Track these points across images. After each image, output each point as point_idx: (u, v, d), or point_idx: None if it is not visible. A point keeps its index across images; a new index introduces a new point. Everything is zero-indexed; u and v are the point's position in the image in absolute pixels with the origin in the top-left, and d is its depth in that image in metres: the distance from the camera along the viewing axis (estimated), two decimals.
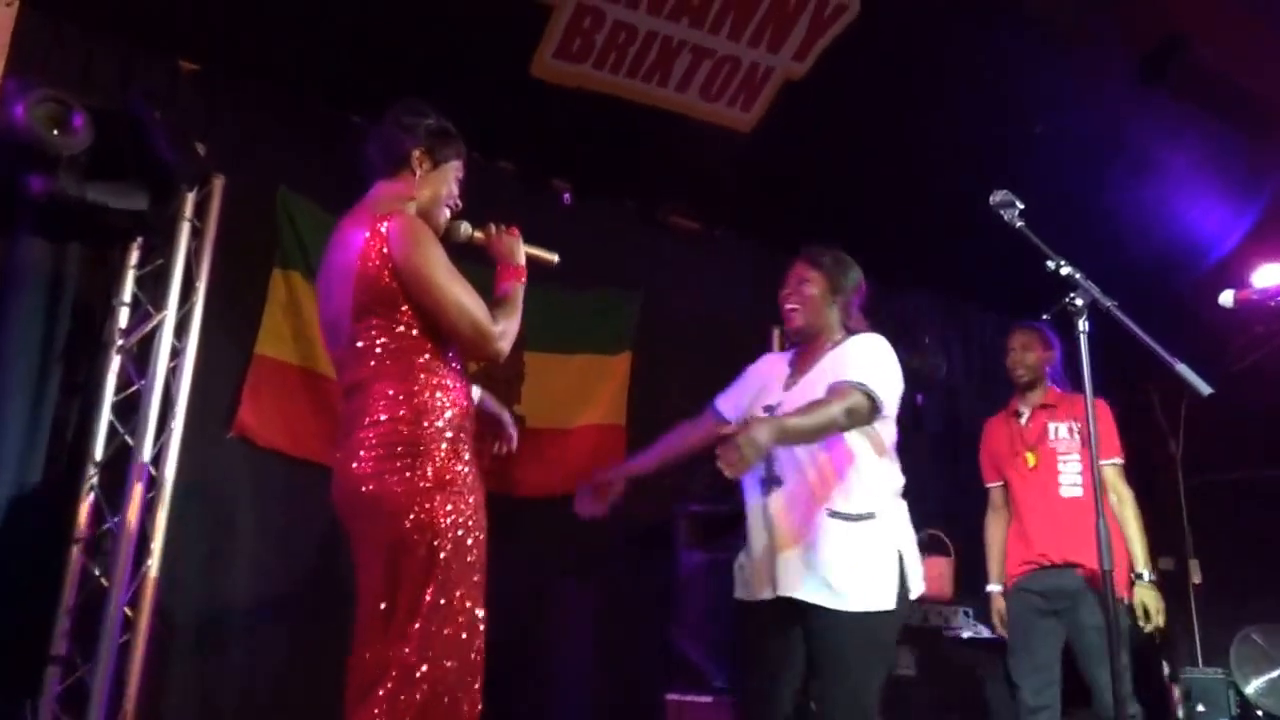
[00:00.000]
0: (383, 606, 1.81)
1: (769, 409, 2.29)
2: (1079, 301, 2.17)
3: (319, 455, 3.15)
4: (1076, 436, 3.20)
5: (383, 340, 1.88)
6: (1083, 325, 2.16)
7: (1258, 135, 4.04)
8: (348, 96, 3.37)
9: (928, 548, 3.73)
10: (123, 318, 2.98)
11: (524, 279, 2.07)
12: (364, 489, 1.84)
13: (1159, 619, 3.09)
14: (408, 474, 1.82)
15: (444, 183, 2.05)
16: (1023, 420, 3.32)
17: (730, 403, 2.49)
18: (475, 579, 1.86)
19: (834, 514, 2.21)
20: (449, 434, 1.88)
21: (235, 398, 3.13)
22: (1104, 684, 2.89)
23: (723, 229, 4.12)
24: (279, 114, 3.30)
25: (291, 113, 3.32)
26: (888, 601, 2.17)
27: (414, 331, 1.89)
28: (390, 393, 1.86)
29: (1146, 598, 3.06)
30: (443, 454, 1.85)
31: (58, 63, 2.92)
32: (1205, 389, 2.13)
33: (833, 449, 2.24)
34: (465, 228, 2.11)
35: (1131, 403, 4.65)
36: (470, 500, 1.87)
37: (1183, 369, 2.14)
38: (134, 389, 2.96)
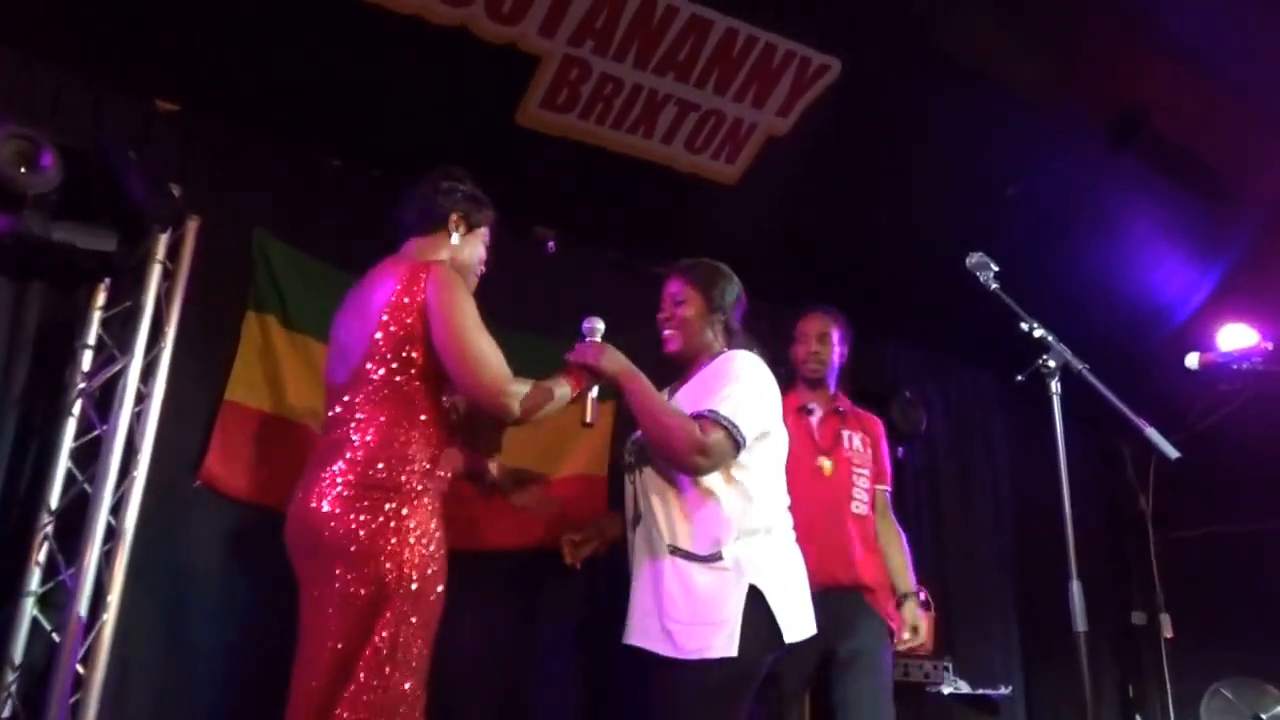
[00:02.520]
0: (338, 647, 1.85)
1: None
2: (1051, 364, 2.22)
3: (289, 505, 3.07)
4: (868, 451, 3.02)
5: (386, 378, 1.93)
6: (1055, 387, 2.22)
7: (1217, 202, 4.18)
8: (328, 140, 3.34)
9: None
10: (86, 361, 2.87)
11: (581, 389, 2.15)
12: (328, 529, 1.85)
13: (925, 637, 2.93)
14: (379, 517, 1.85)
15: (477, 248, 2.19)
16: (814, 419, 3.01)
17: None
18: (433, 630, 1.91)
19: (676, 551, 2.08)
20: (425, 484, 1.91)
21: (203, 445, 3.01)
22: (869, 708, 2.73)
23: None
24: (256, 156, 3.25)
25: (270, 155, 3.27)
26: (727, 648, 1.98)
27: (417, 381, 1.94)
28: (375, 431, 1.90)
29: (916, 616, 2.91)
30: (415, 502, 1.88)
31: (27, 100, 2.85)
32: (1173, 453, 2.16)
33: (680, 482, 2.12)
34: (564, 390, 2.14)
35: (1102, 459, 4.74)
36: (436, 552, 1.91)
37: (1151, 433, 2.18)
38: (95, 434, 2.85)
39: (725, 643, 1.98)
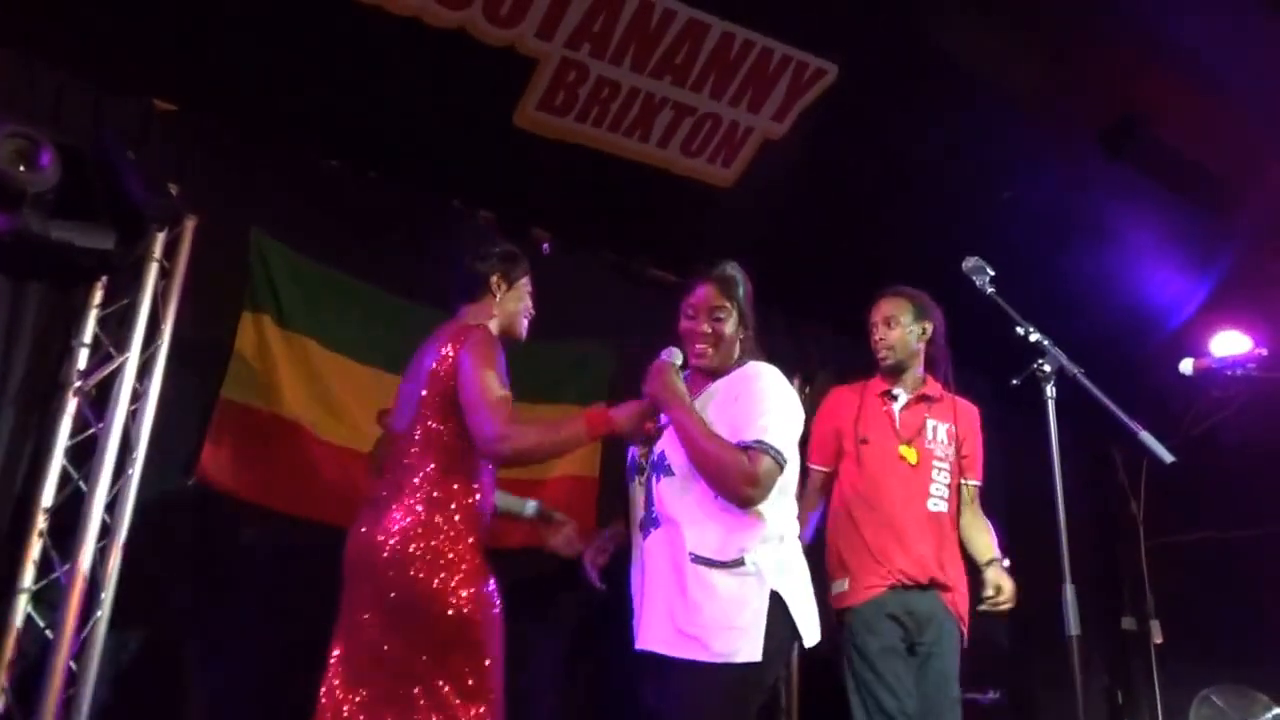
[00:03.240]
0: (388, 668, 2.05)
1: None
2: (1047, 368, 2.23)
3: (284, 504, 3.09)
4: (952, 444, 2.84)
5: (437, 433, 2.16)
6: (1050, 391, 2.22)
7: (1212, 208, 4.19)
8: (326, 141, 3.35)
9: None
10: (82, 359, 2.88)
11: (605, 433, 2.22)
12: (381, 561, 2.08)
13: (1009, 594, 2.78)
14: (428, 555, 2.07)
15: (520, 298, 2.41)
16: (897, 406, 2.85)
17: None
18: (488, 650, 2.11)
19: (698, 559, 2.06)
20: (475, 534, 2.15)
21: (198, 443, 3.03)
22: (947, 708, 2.65)
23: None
24: (254, 157, 3.26)
25: (267, 156, 3.28)
26: (751, 653, 2.00)
27: (458, 433, 2.15)
28: (429, 482, 2.14)
29: (1002, 579, 2.78)
30: (460, 543, 2.11)
31: (27, 99, 2.86)
32: (1168, 457, 2.17)
33: (701, 490, 2.10)
34: (574, 430, 2.21)
35: (1094, 465, 4.75)
36: (482, 587, 2.13)
37: (1145, 437, 2.18)
38: (90, 432, 2.86)
39: (751, 647, 2.01)
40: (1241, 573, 4.26)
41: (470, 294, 2.37)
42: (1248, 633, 4.12)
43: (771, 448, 2.07)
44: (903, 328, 2.87)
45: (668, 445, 2.19)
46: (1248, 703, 3.98)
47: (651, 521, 2.19)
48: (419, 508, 2.11)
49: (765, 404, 2.13)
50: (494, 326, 2.31)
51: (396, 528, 2.09)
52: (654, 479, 2.21)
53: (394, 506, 2.13)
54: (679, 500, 2.14)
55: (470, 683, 2.05)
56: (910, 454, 2.77)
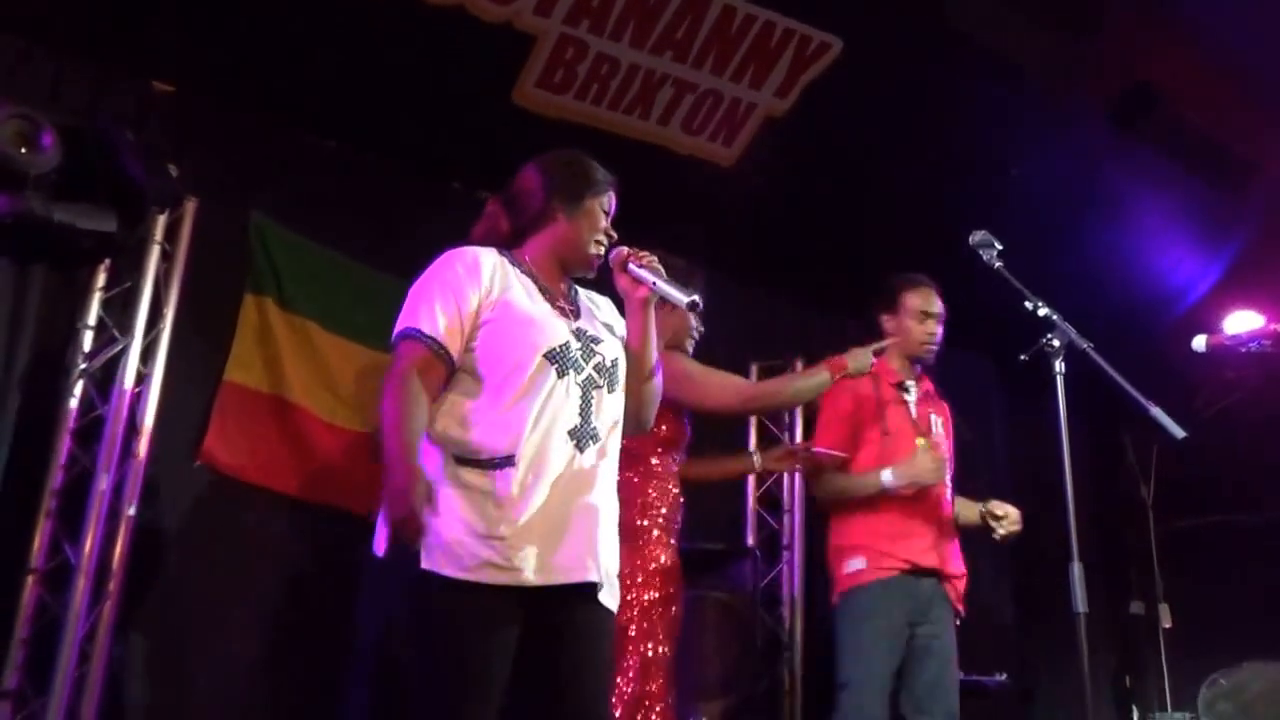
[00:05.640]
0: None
1: None
2: (1056, 342, 2.19)
3: (287, 485, 3.11)
4: (947, 440, 2.85)
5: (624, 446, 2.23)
6: (1059, 366, 2.19)
7: (1226, 185, 4.13)
8: (325, 121, 3.35)
9: None
10: (86, 341, 2.90)
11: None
12: None
13: (1018, 522, 2.75)
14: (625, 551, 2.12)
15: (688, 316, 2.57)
16: (911, 399, 2.80)
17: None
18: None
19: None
20: (660, 527, 2.34)
21: (202, 425, 3.05)
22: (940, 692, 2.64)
23: (702, 262, 4.11)
24: (254, 138, 3.26)
25: (267, 137, 3.28)
26: None
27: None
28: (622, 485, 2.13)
29: (1004, 505, 2.76)
30: (653, 542, 2.32)
31: (26, 82, 2.86)
32: (1179, 432, 2.13)
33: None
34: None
35: (1102, 447, 4.71)
36: (666, 580, 2.36)
37: (1157, 412, 2.15)
38: (96, 414, 2.88)
39: None
40: (1252, 556, 4.21)
41: None
42: (1258, 617, 4.07)
43: None
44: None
45: None
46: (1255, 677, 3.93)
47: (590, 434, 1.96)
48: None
49: None
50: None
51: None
52: None
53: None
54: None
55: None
56: (926, 447, 2.75)
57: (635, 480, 2.36)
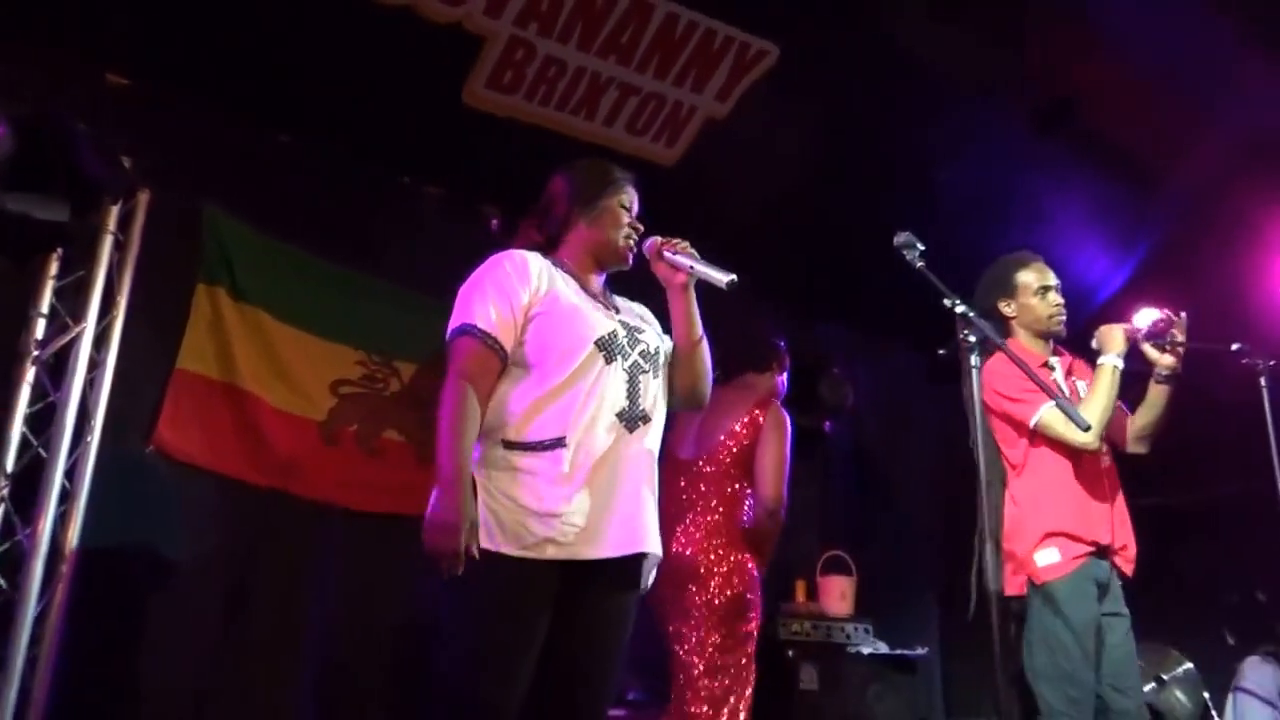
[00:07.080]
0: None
1: None
2: (972, 338, 2.35)
3: (238, 471, 3.19)
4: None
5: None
6: (974, 360, 2.34)
7: (1138, 189, 4.37)
8: (278, 115, 3.40)
9: (831, 567, 3.92)
10: (39, 329, 2.94)
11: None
12: (699, 569, 2.89)
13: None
14: (732, 558, 2.91)
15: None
16: (1059, 377, 2.71)
17: None
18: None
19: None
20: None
21: (154, 411, 3.11)
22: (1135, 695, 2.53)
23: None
24: (207, 131, 3.29)
25: (220, 130, 3.32)
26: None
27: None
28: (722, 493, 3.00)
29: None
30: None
31: None
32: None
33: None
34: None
35: None
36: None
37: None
38: (49, 401, 2.93)
39: None
40: (1190, 537, 4.31)
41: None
42: (1192, 601, 4.25)
43: None
44: None
45: None
46: (1161, 658, 4.11)
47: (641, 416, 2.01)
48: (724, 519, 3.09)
49: None
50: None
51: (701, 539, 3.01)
52: None
53: (694, 517, 3.07)
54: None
55: None
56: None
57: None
